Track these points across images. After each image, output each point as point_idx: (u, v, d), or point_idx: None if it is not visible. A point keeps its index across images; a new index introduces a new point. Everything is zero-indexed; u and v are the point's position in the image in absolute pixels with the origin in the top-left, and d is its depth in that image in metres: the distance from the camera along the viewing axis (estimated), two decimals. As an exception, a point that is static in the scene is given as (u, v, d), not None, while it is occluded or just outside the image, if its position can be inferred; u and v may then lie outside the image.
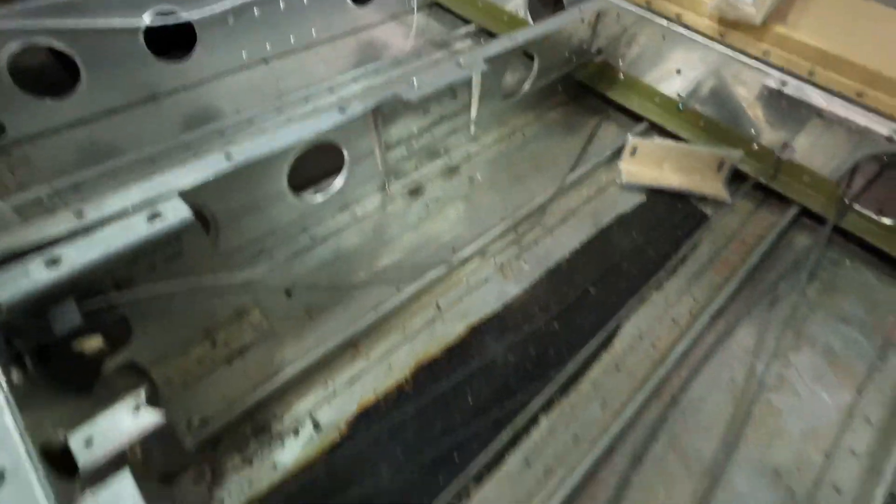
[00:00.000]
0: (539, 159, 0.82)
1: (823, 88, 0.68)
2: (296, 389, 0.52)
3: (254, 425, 0.49)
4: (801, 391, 0.57)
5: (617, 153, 0.81)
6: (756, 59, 0.72)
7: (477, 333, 0.59)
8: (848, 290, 0.68)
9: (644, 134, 0.86)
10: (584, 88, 0.92)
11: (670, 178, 0.78)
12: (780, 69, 0.70)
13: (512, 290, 0.64)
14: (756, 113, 0.76)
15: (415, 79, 0.60)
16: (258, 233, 0.59)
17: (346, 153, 0.62)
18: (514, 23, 1.00)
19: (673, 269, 0.68)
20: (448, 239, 0.68)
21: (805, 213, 0.75)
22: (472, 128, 0.77)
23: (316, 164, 0.63)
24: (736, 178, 0.78)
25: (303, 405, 0.51)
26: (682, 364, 0.58)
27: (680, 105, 0.83)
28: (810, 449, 0.53)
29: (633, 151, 0.79)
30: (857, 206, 0.71)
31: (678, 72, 0.81)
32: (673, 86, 0.84)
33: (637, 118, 0.88)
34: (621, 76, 0.89)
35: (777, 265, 0.70)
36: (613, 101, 0.90)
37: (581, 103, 0.93)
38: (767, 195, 0.78)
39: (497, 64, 0.70)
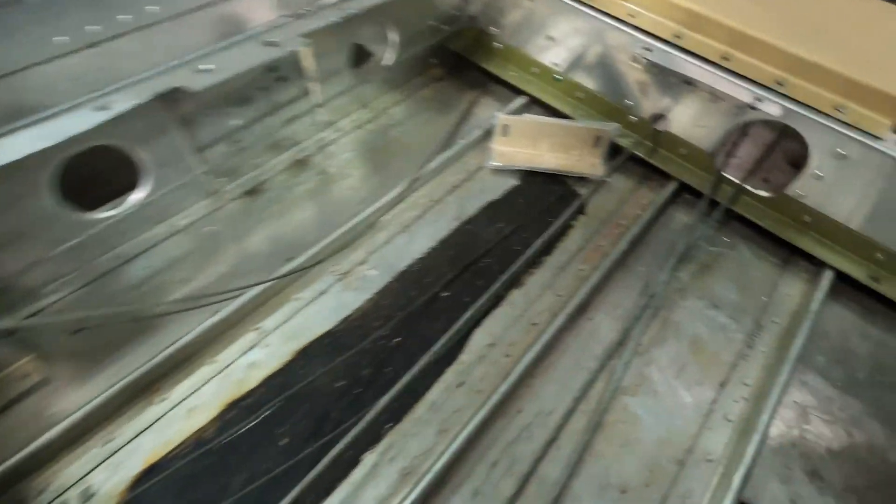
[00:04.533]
0: (405, 144, 0.74)
1: (690, 52, 0.62)
2: (69, 450, 0.44)
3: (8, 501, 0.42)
4: (661, 390, 0.53)
5: (488, 134, 0.74)
6: (622, 21, 0.65)
7: (304, 357, 0.52)
8: (723, 271, 0.64)
9: (523, 109, 0.79)
10: (463, 60, 0.84)
11: (545, 157, 0.72)
12: (646, 33, 0.64)
13: (353, 301, 0.56)
14: (630, 82, 0.69)
15: (200, 65, 0.50)
16: (22, 264, 0.49)
17: (139, 157, 0.53)
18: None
19: (538, 261, 0.62)
20: (285, 245, 0.60)
21: (685, 188, 0.71)
22: (321, 113, 0.68)
23: (114, 173, 0.54)
24: (617, 154, 0.73)
25: (74, 469, 0.43)
26: (532, 373, 0.53)
27: (558, 76, 0.76)
28: (663, 458, 0.48)
29: (505, 131, 0.72)
30: (732, 179, 0.66)
31: (551, 38, 0.74)
32: (549, 55, 0.76)
33: (518, 91, 0.81)
34: (498, 45, 0.81)
35: (652, 248, 0.65)
36: (493, 73, 0.82)
37: (460, 77, 0.84)
38: (649, 171, 0.73)
39: (326, 39, 0.61)
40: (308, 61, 0.60)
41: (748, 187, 0.65)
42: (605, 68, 0.71)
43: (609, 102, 0.72)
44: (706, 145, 0.67)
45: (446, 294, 0.58)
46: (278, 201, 0.64)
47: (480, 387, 0.51)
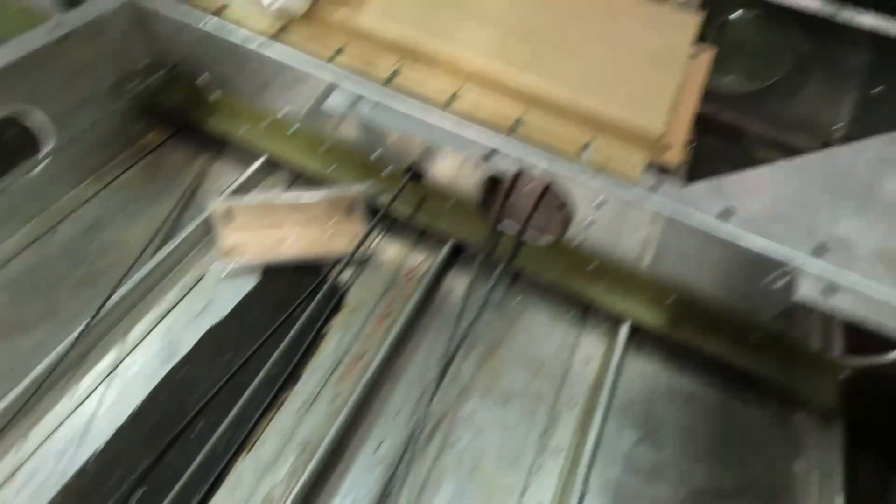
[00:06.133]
0: (98, 259, 0.55)
1: (410, 94, 0.49)
2: None
3: None
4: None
5: (206, 229, 0.57)
6: (329, 61, 0.51)
7: None
8: (513, 348, 0.53)
9: (262, 174, 0.62)
10: (186, 119, 0.65)
11: (288, 242, 0.57)
12: (356, 73, 0.50)
13: None
14: (373, 130, 0.56)
15: None
16: None
17: None
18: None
19: (277, 400, 0.47)
20: None
21: (464, 248, 0.59)
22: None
23: None
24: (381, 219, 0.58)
25: None
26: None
27: (294, 128, 0.60)
28: None
29: (229, 218, 0.56)
30: (508, 231, 0.55)
31: (267, 83, 0.58)
32: (277, 104, 0.60)
33: (255, 151, 0.63)
34: (218, 96, 0.63)
35: (430, 336, 0.53)
36: (220, 132, 0.63)
37: (186, 140, 0.65)
38: (423, 232, 0.60)
39: None
40: None
41: (526, 239, 0.55)
42: (340, 117, 0.56)
43: (359, 155, 0.58)
44: (474, 196, 0.55)
45: (143, 491, 0.42)
46: None
47: None
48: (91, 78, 0.56)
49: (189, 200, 0.60)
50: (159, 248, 0.55)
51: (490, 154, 0.45)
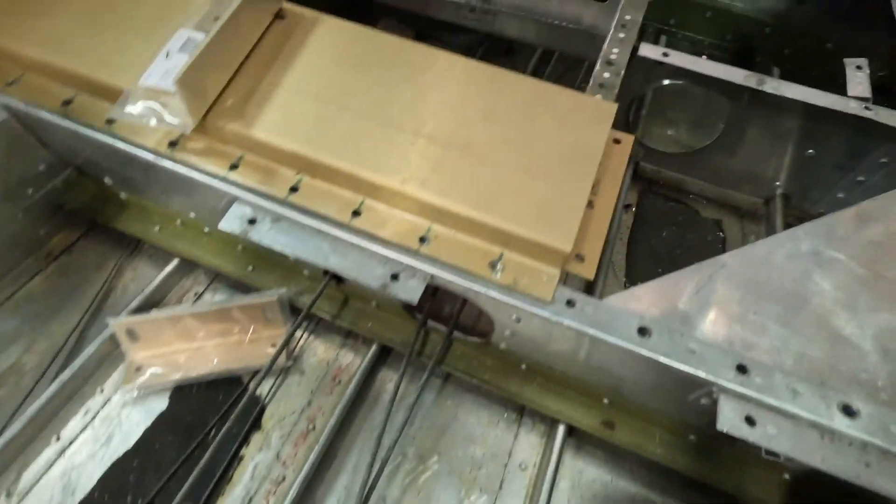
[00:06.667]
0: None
1: (309, 210, 0.45)
2: None
3: None
4: None
5: (113, 345, 0.53)
6: (227, 174, 0.47)
7: None
8: (446, 453, 0.50)
9: (176, 275, 0.59)
10: (95, 219, 0.60)
11: (201, 356, 0.53)
12: (255, 185, 0.46)
13: None
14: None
15: None
16: None
17: None
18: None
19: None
20: None
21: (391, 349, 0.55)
22: None
23: None
24: (308, 320, 0.55)
25: None
26: None
27: (206, 228, 0.57)
28: None
29: (133, 336, 0.52)
30: (438, 328, 0.52)
31: (169, 190, 0.54)
32: (181, 204, 0.55)
33: (170, 252, 0.58)
34: (126, 197, 0.59)
35: (357, 448, 0.50)
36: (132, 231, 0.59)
37: (99, 241, 0.61)
38: (349, 333, 0.57)
39: None
40: None
41: (455, 337, 0.52)
42: (242, 233, 0.52)
43: (276, 256, 0.55)
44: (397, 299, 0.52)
45: None
46: None
47: None
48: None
49: (98, 309, 0.56)
50: (60, 370, 0.51)
51: (397, 274, 0.42)
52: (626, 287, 0.58)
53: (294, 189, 0.45)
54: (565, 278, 0.43)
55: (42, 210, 0.57)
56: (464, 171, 0.44)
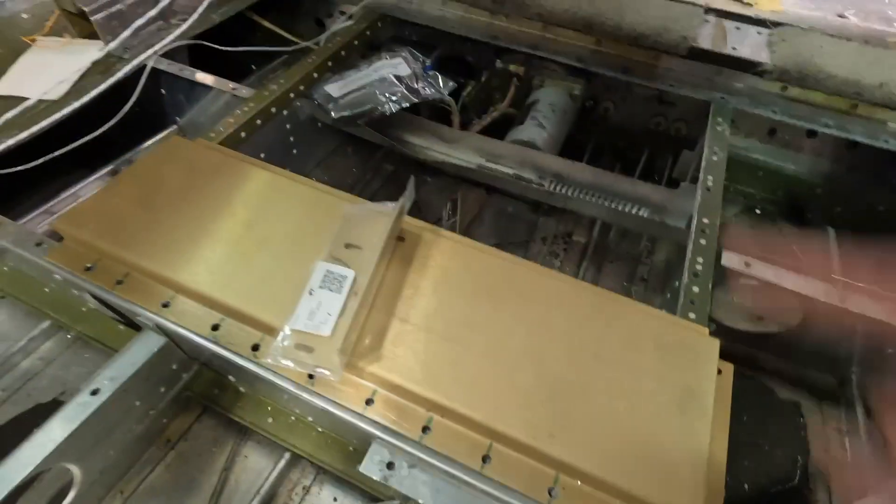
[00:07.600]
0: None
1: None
2: None
3: None
4: None
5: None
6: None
7: None
8: None
9: (285, 471, 0.62)
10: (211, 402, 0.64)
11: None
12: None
13: None
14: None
15: None
16: None
17: None
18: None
19: None
20: None
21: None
22: None
23: None
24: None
25: None
26: None
27: (318, 428, 0.59)
28: None
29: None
30: None
31: (296, 405, 0.58)
32: (302, 409, 0.60)
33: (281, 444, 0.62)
34: (241, 389, 0.64)
35: None
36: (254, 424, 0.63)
37: (209, 425, 0.65)
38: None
39: None
40: None
41: None
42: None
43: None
44: None
45: None
46: None
47: None
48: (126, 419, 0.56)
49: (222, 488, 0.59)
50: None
51: None
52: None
53: (426, 429, 0.49)
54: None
55: (169, 405, 0.62)
56: (589, 425, 0.47)
